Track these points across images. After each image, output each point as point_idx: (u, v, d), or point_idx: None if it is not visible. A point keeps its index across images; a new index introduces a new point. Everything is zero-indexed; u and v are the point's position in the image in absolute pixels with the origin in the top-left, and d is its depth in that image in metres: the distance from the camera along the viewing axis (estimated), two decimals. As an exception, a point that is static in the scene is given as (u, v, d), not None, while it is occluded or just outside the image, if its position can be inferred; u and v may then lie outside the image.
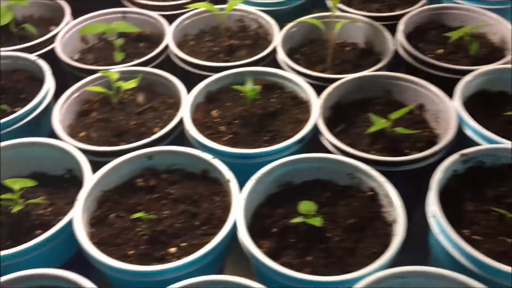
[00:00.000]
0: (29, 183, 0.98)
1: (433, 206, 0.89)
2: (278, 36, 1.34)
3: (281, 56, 1.29)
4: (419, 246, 0.97)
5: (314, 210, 0.93)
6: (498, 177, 0.98)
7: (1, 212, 1.01)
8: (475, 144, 1.03)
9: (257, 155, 1.03)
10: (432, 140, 1.11)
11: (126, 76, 1.23)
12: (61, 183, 1.08)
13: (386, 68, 1.26)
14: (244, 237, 0.86)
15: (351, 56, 1.37)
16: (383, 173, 0.98)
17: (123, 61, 1.37)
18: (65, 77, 1.43)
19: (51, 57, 1.33)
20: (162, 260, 0.90)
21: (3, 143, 1.07)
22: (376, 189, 0.97)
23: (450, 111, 1.09)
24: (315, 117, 1.09)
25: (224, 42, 1.42)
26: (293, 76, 1.20)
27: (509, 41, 1.29)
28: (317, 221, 0.90)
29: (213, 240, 0.86)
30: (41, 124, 1.21)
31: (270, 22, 1.42)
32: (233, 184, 0.96)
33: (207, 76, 1.24)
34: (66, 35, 1.40)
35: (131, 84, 1.11)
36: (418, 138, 1.11)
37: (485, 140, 1.02)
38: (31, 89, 1.28)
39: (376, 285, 0.78)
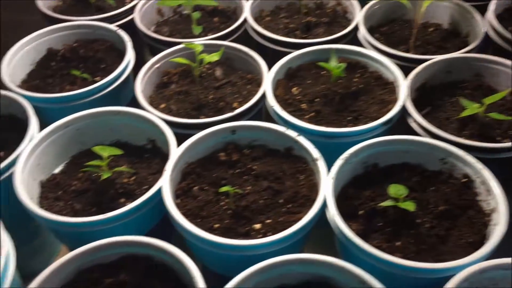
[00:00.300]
0: (116, 151, 0.99)
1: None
2: (359, 14, 1.30)
3: (363, 34, 1.24)
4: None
5: (405, 194, 0.89)
6: None
7: (87, 178, 1.02)
8: None
9: (343, 135, 1.00)
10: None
11: (206, 49, 1.21)
12: (143, 153, 1.08)
13: (476, 51, 1.20)
14: (335, 216, 0.84)
15: (435, 38, 1.31)
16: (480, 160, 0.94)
17: (199, 35, 1.36)
18: (141, 48, 1.44)
19: (129, 28, 1.34)
20: (247, 236, 0.89)
21: (88, 111, 1.08)
22: (472, 176, 0.92)
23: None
24: (403, 98, 1.05)
25: (301, 19, 1.39)
26: (378, 55, 1.16)
27: None
28: (410, 206, 0.87)
29: (304, 218, 0.84)
30: (120, 95, 1.22)
31: (352, -1, 1.37)
32: (321, 163, 0.93)
33: (284, 53, 1.21)
34: (144, 6, 1.40)
35: (214, 57, 1.10)
36: (511, 125, 1.05)
37: None
38: (111, 59, 1.29)
39: (479, 275, 0.75)
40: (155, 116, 1.05)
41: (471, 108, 1.02)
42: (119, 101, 1.22)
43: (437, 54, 1.24)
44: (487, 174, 0.89)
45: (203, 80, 1.22)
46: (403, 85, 1.07)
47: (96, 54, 1.30)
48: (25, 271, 0.91)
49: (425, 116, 1.10)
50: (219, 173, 1.00)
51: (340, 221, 0.83)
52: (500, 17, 1.29)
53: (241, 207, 0.93)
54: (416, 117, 1.02)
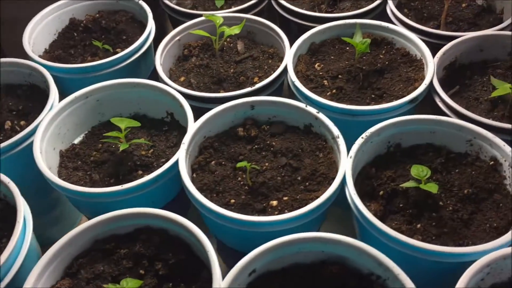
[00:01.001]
0: (134, 123, 0.98)
1: None
2: (389, -12, 1.24)
3: (391, 8, 1.19)
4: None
5: (428, 175, 0.86)
6: None
7: (106, 149, 1.02)
8: None
9: (365, 113, 0.96)
10: None
11: (227, 22, 1.19)
12: (162, 126, 1.08)
13: (510, 29, 1.14)
14: (354, 196, 0.82)
15: (467, 14, 1.25)
16: (506, 142, 0.90)
17: (221, 8, 1.33)
18: (163, 21, 1.42)
19: (149, 0, 1.32)
20: (263, 212, 0.88)
21: (107, 82, 1.07)
22: (499, 159, 0.88)
23: None
24: (430, 76, 1.00)
25: (329, -9, 1.34)
26: (406, 31, 1.11)
27: None
28: (433, 188, 0.83)
29: (321, 196, 0.82)
30: (141, 67, 1.21)
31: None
32: (341, 141, 0.91)
33: (307, 27, 1.18)
34: (166, -22, 1.38)
35: (235, 30, 1.07)
36: (544, 108, 1.00)
37: None
38: (132, 30, 1.28)
39: (502, 262, 0.72)
40: (173, 89, 1.03)
41: (502, 88, 0.97)
42: (140, 73, 1.21)
43: (469, 31, 1.19)
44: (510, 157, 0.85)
45: (224, 53, 1.19)
46: (431, 63, 1.03)
47: (118, 26, 1.29)
48: (46, 240, 0.92)
49: (453, 96, 1.07)
50: (237, 149, 0.98)
51: (359, 202, 0.81)
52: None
53: (258, 183, 0.91)
54: (443, 96, 0.97)
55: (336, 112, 0.98)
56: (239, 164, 0.89)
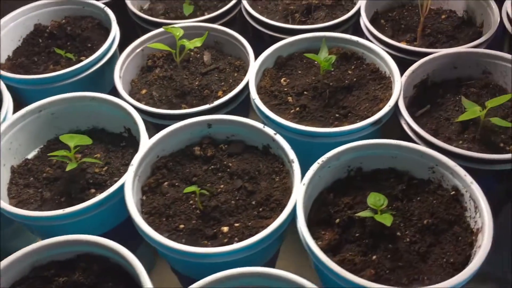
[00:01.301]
0: (86, 140, 0.95)
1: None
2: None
3: (364, 20, 1.14)
4: (503, 250, 0.84)
5: (385, 205, 0.82)
6: None
7: (59, 166, 0.99)
8: None
9: (325, 135, 0.92)
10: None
11: (192, 32, 1.15)
12: (119, 141, 1.04)
13: (488, 44, 1.08)
14: (303, 228, 0.78)
15: (447, 26, 1.20)
16: (470, 170, 0.85)
17: (194, 14, 1.28)
18: (135, 28, 1.37)
19: (119, 6, 1.28)
20: (214, 238, 0.85)
21: (62, 96, 1.03)
22: (461, 189, 0.84)
23: None
24: (396, 96, 0.96)
25: (303, 0, 1.29)
26: (375, 46, 1.06)
27: None
28: (387, 220, 0.79)
29: (270, 226, 0.78)
30: (104, 76, 1.17)
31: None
32: (296, 165, 0.86)
33: (280, 39, 1.13)
34: (137, -19, 1.33)
35: (196, 43, 1.03)
36: (517, 131, 0.95)
37: None
38: (98, 37, 1.24)
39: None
40: (128, 104, 0.99)
41: (471, 110, 0.93)
42: (104, 83, 1.17)
43: (447, 45, 1.15)
44: (477, 189, 0.80)
45: (190, 64, 1.15)
46: (398, 82, 0.98)
47: (83, 32, 1.25)
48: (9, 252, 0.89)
49: (423, 115, 1.02)
50: (193, 169, 0.94)
51: (307, 234, 0.77)
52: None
53: (210, 207, 0.88)
54: (407, 119, 0.93)
55: (296, 133, 0.93)
56: (187, 189, 0.85)
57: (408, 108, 1.02)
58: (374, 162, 0.91)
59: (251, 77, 1.02)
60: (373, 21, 1.23)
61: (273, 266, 0.91)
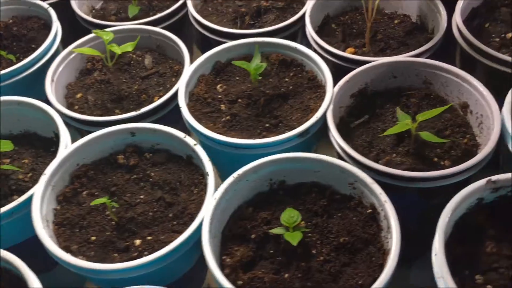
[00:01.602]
0: (7, 146, 0.93)
1: (440, 267, 0.68)
2: (309, 3, 1.15)
3: (307, 26, 1.10)
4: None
5: (298, 222, 0.79)
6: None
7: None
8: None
9: (247, 146, 0.89)
10: (470, 150, 0.91)
11: (133, 35, 1.12)
12: (50, 146, 1.02)
13: (434, 52, 1.04)
14: (205, 247, 0.75)
15: (399, 32, 1.15)
16: (396, 188, 0.82)
17: (146, 15, 1.25)
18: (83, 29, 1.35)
19: (66, 6, 1.25)
20: (125, 251, 0.82)
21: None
22: (377, 207, 0.80)
23: (494, 118, 0.87)
24: (324, 107, 0.92)
25: (254, 2, 1.25)
26: (313, 53, 1.02)
27: None
28: (295, 238, 0.76)
29: (172, 242, 0.76)
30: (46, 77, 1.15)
31: (307, -19, 1.22)
32: (211, 179, 0.84)
33: (224, 43, 1.10)
34: (87, -19, 1.31)
35: (127, 47, 1.01)
36: (454, 145, 0.91)
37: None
38: (43, 38, 1.21)
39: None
40: (53, 109, 0.97)
41: (401, 124, 0.89)
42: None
43: (398, 51, 1.11)
44: (390, 209, 0.77)
45: (131, 68, 1.13)
46: (329, 92, 0.94)
47: (28, 33, 1.23)
48: None
49: (360, 126, 0.98)
50: (115, 178, 0.92)
51: (208, 252, 0.74)
52: (476, 11, 1.12)
53: (126, 218, 0.85)
54: (333, 131, 0.89)
55: (219, 144, 0.91)
56: (94, 202, 0.83)
57: (346, 118, 1.00)
58: (297, 175, 0.87)
59: (181, 84, 0.99)
60: (323, 25, 1.20)
61: (191, 280, 0.90)
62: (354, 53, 1.10)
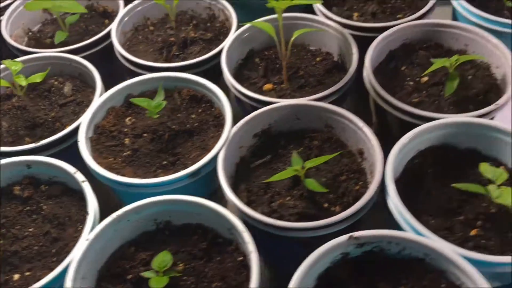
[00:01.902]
0: None
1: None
2: (229, 38, 1.16)
3: (223, 63, 1.11)
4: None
5: (169, 266, 0.80)
6: (399, 271, 0.77)
7: None
8: (394, 221, 0.82)
9: (138, 185, 0.90)
10: (361, 197, 0.91)
11: (55, 62, 1.14)
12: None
13: (343, 93, 1.05)
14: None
15: (319, 69, 1.15)
16: (277, 236, 0.82)
17: (80, 40, 1.26)
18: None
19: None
20: (4, 285, 0.83)
21: None
22: (248, 254, 0.80)
23: (377, 168, 0.87)
24: (218, 147, 0.93)
25: (184, 32, 1.26)
26: (219, 91, 1.03)
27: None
28: (159, 284, 0.77)
29: (38, 283, 0.77)
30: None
31: (233, 16, 1.23)
32: (90, 218, 0.84)
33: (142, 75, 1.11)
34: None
35: (36, 78, 1.02)
36: (346, 192, 0.92)
37: (405, 221, 0.80)
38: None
39: None
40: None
41: (289, 170, 0.89)
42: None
43: (316, 89, 1.11)
44: (254, 259, 0.77)
45: (51, 94, 1.14)
46: (225, 132, 0.95)
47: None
48: None
49: (260, 166, 0.99)
50: (7, 209, 0.93)
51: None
52: (393, 53, 1.13)
53: (10, 252, 0.86)
54: (220, 173, 0.90)
55: (109, 181, 0.91)
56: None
57: (248, 157, 1.00)
58: (183, 216, 0.88)
59: (86, 116, 1.00)
60: (247, 58, 1.20)
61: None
62: (272, 89, 1.11)
